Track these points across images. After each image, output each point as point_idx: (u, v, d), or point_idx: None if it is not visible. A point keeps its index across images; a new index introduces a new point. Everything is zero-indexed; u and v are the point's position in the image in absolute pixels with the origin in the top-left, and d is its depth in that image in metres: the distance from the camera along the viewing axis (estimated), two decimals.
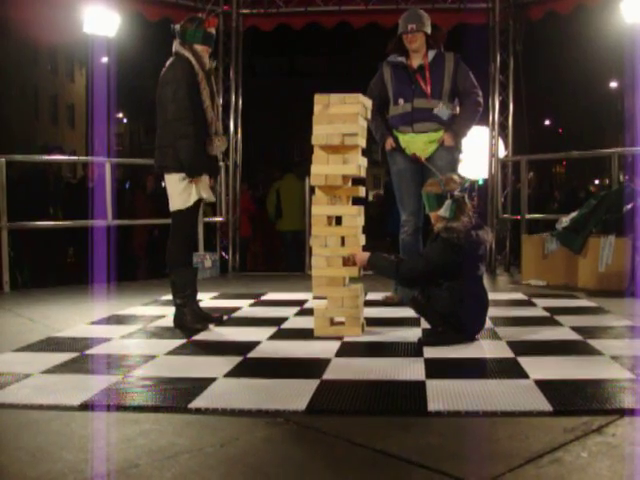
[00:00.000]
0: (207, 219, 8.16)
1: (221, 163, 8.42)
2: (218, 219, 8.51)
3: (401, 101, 4.78)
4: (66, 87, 39.20)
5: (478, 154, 8.16)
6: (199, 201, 4.22)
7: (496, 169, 7.93)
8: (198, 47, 4.16)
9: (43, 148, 11.80)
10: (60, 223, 7.70)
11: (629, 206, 5.64)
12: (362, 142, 3.92)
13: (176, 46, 4.19)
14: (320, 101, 3.85)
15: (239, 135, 8.66)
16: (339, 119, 3.79)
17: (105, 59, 23.45)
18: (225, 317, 4.45)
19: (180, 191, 4.11)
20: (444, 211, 3.54)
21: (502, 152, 8.09)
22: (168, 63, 4.19)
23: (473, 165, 8.00)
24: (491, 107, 7.94)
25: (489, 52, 8.05)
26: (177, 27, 4.21)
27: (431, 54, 4.77)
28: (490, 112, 7.88)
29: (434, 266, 3.58)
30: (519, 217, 7.49)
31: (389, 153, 4.95)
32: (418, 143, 4.76)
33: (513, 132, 7.99)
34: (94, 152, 22.73)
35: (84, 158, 12.37)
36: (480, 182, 8.61)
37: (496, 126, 7.93)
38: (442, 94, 4.75)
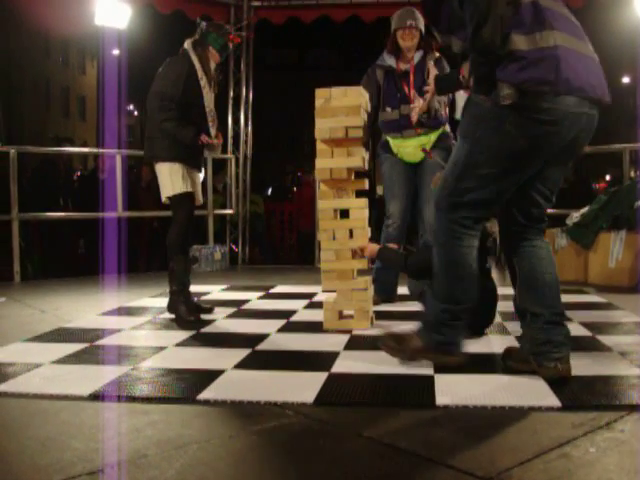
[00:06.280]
0: (217, 211, 8.18)
1: (230, 156, 8.46)
2: (228, 212, 8.53)
3: (388, 109, 4.70)
4: (77, 79, 39.37)
5: None
6: (191, 194, 4.21)
7: None
8: (213, 51, 4.19)
9: (55, 140, 11.84)
10: (71, 214, 7.73)
11: None
12: (365, 135, 3.90)
13: (187, 44, 4.19)
14: (321, 95, 3.80)
15: (249, 128, 8.67)
16: (342, 112, 3.75)
17: (116, 51, 23.49)
18: (216, 309, 4.47)
19: (170, 179, 4.14)
20: None
21: None
22: (171, 58, 4.20)
23: None
24: None
25: None
26: (203, 25, 4.20)
27: (417, 57, 4.66)
28: None
29: None
30: None
31: (380, 153, 4.89)
32: (408, 147, 4.70)
33: None
34: (105, 144, 22.80)
35: (95, 150, 12.41)
36: None
37: None
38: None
